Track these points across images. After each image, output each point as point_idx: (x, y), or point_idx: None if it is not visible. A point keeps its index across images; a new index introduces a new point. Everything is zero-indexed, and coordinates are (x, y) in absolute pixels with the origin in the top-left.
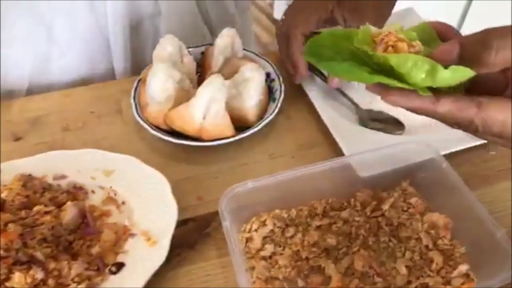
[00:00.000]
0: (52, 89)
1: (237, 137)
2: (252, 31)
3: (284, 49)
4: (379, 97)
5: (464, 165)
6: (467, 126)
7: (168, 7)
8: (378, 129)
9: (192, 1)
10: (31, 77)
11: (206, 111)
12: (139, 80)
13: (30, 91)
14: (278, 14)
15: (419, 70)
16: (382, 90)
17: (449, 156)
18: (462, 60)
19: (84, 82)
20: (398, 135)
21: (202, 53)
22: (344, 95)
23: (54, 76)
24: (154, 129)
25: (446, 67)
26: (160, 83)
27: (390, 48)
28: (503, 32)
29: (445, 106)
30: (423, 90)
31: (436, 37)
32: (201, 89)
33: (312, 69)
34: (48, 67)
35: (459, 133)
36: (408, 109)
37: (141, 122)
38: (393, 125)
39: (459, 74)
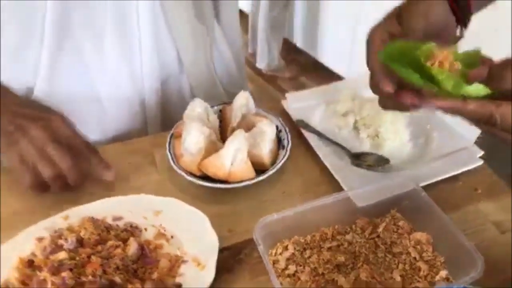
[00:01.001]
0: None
1: (257, 179)
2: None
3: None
4: (366, 141)
5: (438, 193)
6: (487, 120)
7: (189, 66)
8: (368, 167)
9: (208, 63)
10: None
11: (233, 159)
12: (171, 135)
13: None
14: (260, 63)
15: (456, 87)
16: (420, 98)
17: (426, 187)
18: (490, 78)
19: (120, 137)
20: (385, 171)
21: (220, 110)
22: (336, 143)
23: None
24: (189, 175)
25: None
26: (194, 138)
27: (438, 63)
28: None
29: (471, 105)
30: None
31: (478, 61)
32: (228, 142)
33: (305, 126)
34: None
35: (433, 167)
36: (445, 108)
37: (178, 170)
38: (380, 161)
39: (479, 89)
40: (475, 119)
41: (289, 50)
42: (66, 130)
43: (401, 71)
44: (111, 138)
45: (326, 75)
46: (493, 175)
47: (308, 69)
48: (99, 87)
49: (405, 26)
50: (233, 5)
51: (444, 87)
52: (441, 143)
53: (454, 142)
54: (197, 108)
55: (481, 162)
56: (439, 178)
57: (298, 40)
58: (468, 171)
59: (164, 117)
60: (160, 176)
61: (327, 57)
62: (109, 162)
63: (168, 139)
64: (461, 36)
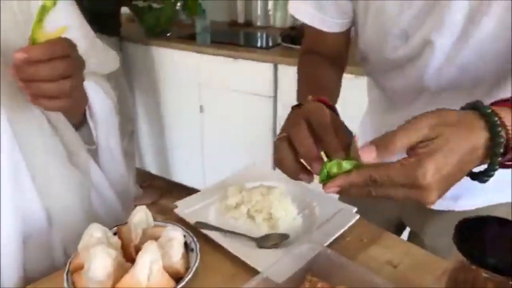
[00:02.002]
0: None
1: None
2: None
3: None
4: (263, 224)
5: (339, 248)
6: (372, 182)
7: (60, 218)
8: (273, 245)
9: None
10: None
11: (149, 273)
12: (67, 272)
13: None
14: None
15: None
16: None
17: (329, 245)
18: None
19: None
20: (287, 245)
21: (115, 233)
22: (238, 233)
23: None
24: None
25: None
26: (101, 263)
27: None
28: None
29: (352, 175)
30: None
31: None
32: (140, 257)
33: (204, 226)
34: None
35: (324, 231)
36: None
37: None
38: (281, 238)
39: (350, 163)
40: (360, 186)
41: (145, 177)
42: None
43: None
44: None
45: (185, 193)
46: (369, 224)
47: (167, 191)
48: None
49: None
50: None
51: (334, 174)
52: (322, 209)
53: (332, 206)
54: (95, 233)
55: (358, 216)
56: (332, 239)
57: (151, 167)
58: (350, 226)
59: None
60: None
61: (182, 176)
62: None
63: (65, 277)
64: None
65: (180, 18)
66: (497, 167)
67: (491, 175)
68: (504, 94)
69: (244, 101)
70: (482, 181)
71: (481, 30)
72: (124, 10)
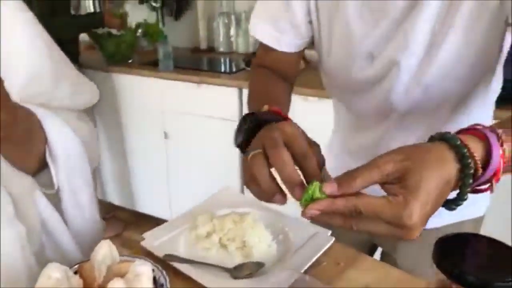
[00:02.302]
0: None
1: None
2: None
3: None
4: (236, 253)
5: (316, 273)
6: (355, 211)
7: None
8: (248, 275)
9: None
10: None
11: None
12: None
13: None
14: None
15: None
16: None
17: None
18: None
19: None
20: (263, 274)
21: (76, 272)
22: (210, 265)
23: None
24: None
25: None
26: None
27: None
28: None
29: (337, 201)
30: None
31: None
32: None
33: (174, 259)
34: None
35: (300, 257)
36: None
37: None
38: (256, 267)
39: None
40: (343, 215)
41: (107, 209)
42: None
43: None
44: None
45: (151, 224)
46: (345, 247)
47: (131, 223)
48: None
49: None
50: None
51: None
52: (296, 234)
53: (306, 230)
54: (53, 274)
55: (333, 239)
56: (308, 264)
57: (114, 198)
58: (326, 250)
59: None
60: None
61: (147, 206)
62: None
63: None
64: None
65: (142, 44)
66: (466, 196)
67: (460, 204)
68: (467, 114)
69: (209, 126)
70: (450, 209)
71: (443, 51)
72: (83, 37)
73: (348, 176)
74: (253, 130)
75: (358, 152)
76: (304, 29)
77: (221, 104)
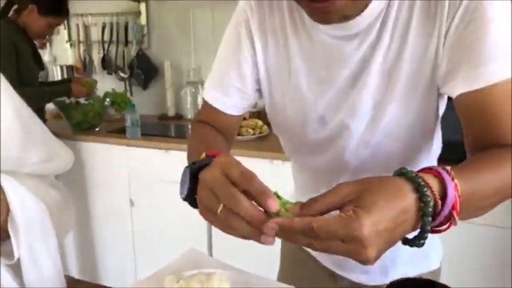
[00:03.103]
0: None
1: None
2: None
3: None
4: None
5: None
6: (309, 230)
7: None
8: None
9: None
10: None
11: None
12: None
13: None
14: None
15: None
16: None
17: None
18: None
19: None
20: None
21: None
22: None
23: None
24: None
25: None
26: None
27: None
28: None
29: (296, 220)
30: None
31: None
32: None
33: None
34: None
35: None
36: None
37: None
38: None
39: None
40: (301, 233)
41: (67, 283)
42: None
43: None
44: None
45: None
46: None
47: None
48: None
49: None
50: None
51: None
52: None
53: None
54: None
55: None
56: None
57: (74, 271)
58: None
59: None
60: None
61: (111, 279)
62: None
63: None
64: None
65: (109, 113)
66: (429, 227)
67: (425, 237)
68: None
69: (176, 192)
70: (416, 245)
71: (386, 116)
72: (49, 105)
73: (310, 200)
74: (196, 177)
75: None
76: (251, 96)
77: None
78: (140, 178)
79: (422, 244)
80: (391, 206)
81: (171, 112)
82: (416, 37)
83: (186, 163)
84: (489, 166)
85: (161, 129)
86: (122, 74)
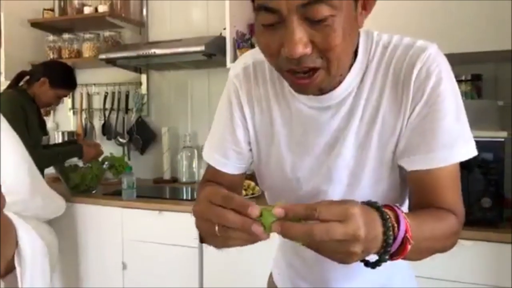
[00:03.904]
0: None
1: None
2: None
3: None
4: None
5: None
6: (310, 214)
7: None
8: None
9: None
10: None
11: None
12: None
13: None
14: None
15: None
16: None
17: None
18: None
19: None
20: None
21: None
22: None
23: None
24: None
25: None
26: None
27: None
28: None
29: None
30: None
31: None
32: None
33: None
34: None
35: None
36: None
37: None
38: None
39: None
40: (301, 217)
41: None
42: None
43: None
44: None
45: None
46: None
47: None
48: None
49: None
50: None
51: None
52: None
53: None
54: None
55: None
56: None
57: None
58: None
59: None
60: None
61: None
62: None
63: None
64: None
65: (107, 177)
66: (390, 249)
67: (385, 260)
68: None
69: (169, 253)
70: (373, 266)
71: (361, 180)
72: (48, 170)
73: (293, 204)
74: None
75: (301, 268)
76: (246, 156)
77: (182, 231)
78: (133, 240)
79: (379, 265)
80: (367, 218)
81: (167, 176)
82: (386, 114)
83: (179, 225)
84: (430, 216)
85: (156, 191)
86: (121, 140)
